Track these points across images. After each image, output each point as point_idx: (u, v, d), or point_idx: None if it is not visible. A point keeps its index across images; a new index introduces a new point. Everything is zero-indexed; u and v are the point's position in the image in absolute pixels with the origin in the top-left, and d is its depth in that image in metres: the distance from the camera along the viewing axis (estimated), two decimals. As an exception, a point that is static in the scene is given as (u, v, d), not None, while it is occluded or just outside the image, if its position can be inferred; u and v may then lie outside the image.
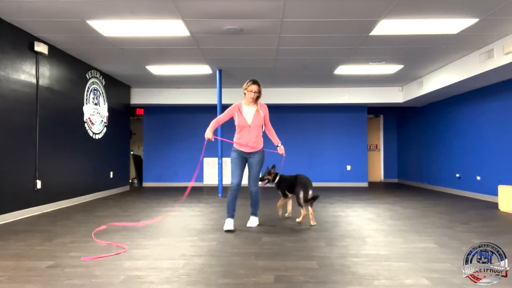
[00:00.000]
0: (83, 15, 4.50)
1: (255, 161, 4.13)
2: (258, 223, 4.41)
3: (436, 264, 2.83)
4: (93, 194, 7.06)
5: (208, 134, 3.99)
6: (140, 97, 9.25)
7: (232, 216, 4.13)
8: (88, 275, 2.58)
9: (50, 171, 5.61)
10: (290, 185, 4.57)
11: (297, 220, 4.52)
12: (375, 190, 8.74)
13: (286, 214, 4.92)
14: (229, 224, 4.08)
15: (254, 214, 4.41)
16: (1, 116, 4.63)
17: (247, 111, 4.12)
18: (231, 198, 4.10)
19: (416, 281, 2.47)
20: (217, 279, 2.51)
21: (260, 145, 4.15)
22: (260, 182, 4.45)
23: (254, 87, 4.06)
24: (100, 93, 7.41)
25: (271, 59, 6.50)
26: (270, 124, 4.29)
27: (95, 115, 7.18)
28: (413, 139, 10.16)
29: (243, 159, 4.14)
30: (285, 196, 4.70)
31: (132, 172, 10.03)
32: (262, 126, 4.18)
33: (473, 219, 4.85)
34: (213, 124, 4.08)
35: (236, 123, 4.12)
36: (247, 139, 4.07)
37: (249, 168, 4.19)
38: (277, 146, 4.31)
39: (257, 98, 4.13)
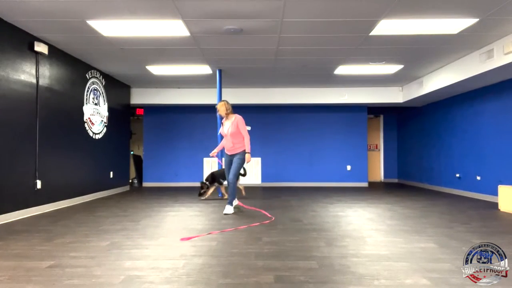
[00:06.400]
0: (83, 15, 4.50)
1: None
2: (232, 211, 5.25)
3: (436, 264, 2.83)
4: (93, 194, 7.07)
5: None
6: (140, 97, 9.25)
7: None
8: (88, 275, 2.58)
9: (50, 171, 5.61)
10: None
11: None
12: (375, 190, 8.74)
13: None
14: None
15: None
16: (1, 116, 4.63)
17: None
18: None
19: (416, 281, 2.47)
20: (217, 279, 2.51)
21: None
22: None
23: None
24: (100, 93, 7.41)
25: (271, 59, 6.50)
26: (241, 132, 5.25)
27: (95, 115, 7.18)
28: (413, 139, 10.16)
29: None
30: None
31: (132, 172, 10.04)
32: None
33: (473, 219, 4.85)
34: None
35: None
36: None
37: None
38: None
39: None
